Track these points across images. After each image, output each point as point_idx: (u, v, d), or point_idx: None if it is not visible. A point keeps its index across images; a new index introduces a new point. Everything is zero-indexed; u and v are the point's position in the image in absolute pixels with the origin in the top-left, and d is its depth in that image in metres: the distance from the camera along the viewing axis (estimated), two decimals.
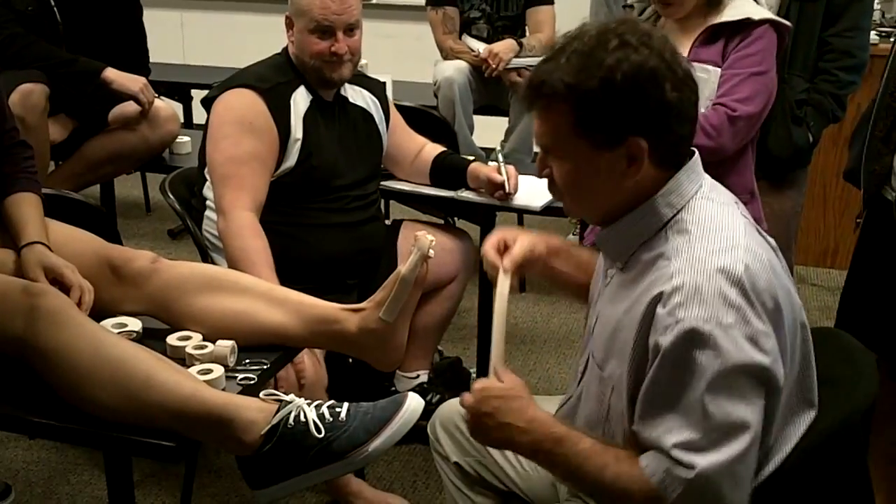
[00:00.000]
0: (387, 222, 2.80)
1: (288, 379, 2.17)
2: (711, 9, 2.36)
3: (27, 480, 2.64)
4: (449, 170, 2.71)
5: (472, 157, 2.79)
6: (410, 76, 4.10)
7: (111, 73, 3.20)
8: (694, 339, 1.30)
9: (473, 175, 2.65)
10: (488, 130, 4.15)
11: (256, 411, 1.57)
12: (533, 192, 2.61)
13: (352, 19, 2.40)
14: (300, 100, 2.44)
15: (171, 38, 5.78)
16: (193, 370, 1.65)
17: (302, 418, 1.56)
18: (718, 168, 2.11)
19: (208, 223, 2.48)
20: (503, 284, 1.68)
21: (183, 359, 1.70)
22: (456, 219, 3.24)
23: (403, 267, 1.77)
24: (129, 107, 3.26)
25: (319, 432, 1.55)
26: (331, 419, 1.57)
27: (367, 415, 1.58)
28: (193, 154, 3.04)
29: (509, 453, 1.76)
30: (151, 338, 1.75)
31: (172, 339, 1.75)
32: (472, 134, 3.96)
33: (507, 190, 2.59)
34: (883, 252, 2.12)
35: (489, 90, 3.98)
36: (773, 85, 2.40)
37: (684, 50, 2.36)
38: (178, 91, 4.41)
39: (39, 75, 3.05)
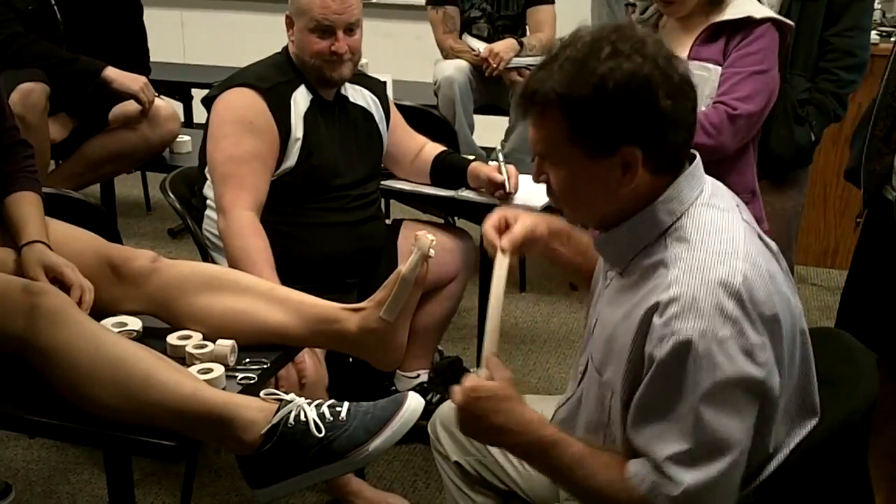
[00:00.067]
0: (387, 222, 2.80)
1: (289, 378, 2.17)
2: (713, 7, 2.36)
3: (27, 479, 2.64)
4: (449, 169, 2.71)
5: (472, 157, 2.79)
6: (411, 75, 4.10)
7: (111, 73, 3.20)
8: (688, 352, 1.30)
9: (474, 174, 2.65)
10: (488, 130, 4.15)
11: (256, 411, 1.57)
12: (533, 191, 2.59)
13: (352, 18, 2.40)
14: (300, 99, 2.44)
15: (171, 38, 5.77)
16: (193, 369, 1.65)
17: (302, 418, 1.56)
18: (719, 167, 2.11)
19: (209, 222, 2.48)
20: (501, 265, 1.66)
21: (183, 358, 1.70)
22: (456, 218, 3.24)
23: (404, 266, 1.77)
24: (130, 106, 3.26)
25: (320, 432, 1.55)
26: (331, 419, 1.57)
27: (367, 414, 1.58)
28: (194, 153, 3.04)
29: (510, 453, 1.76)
30: (151, 337, 1.75)
31: (172, 339, 1.75)
32: (472, 133, 3.95)
33: (507, 189, 2.59)
34: (883, 252, 2.12)
35: (489, 90, 3.98)
36: (774, 84, 2.40)
37: (685, 48, 2.37)
38: (179, 90, 4.41)
39: (40, 74, 3.05)
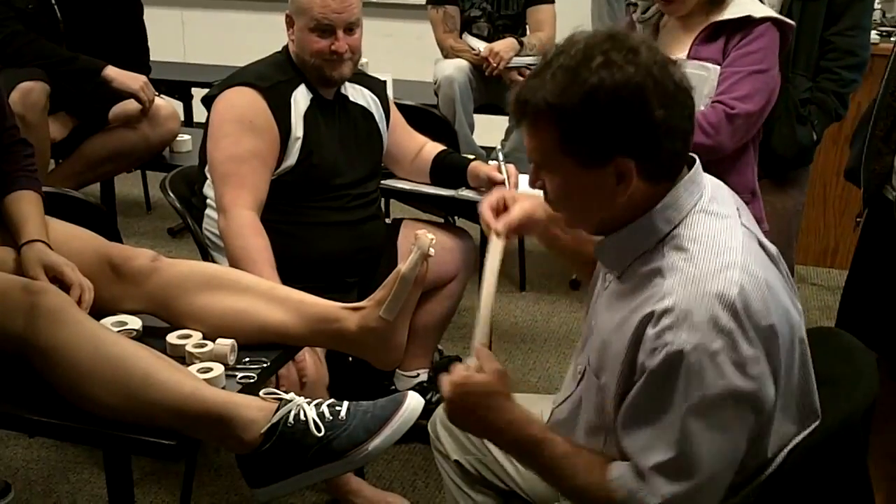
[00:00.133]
0: (387, 221, 2.80)
1: (289, 377, 2.17)
2: (714, 6, 2.35)
3: (27, 479, 2.64)
4: (449, 169, 2.71)
5: (472, 156, 2.79)
6: (411, 75, 4.09)
7: (111, 72, 3.21)
8: (680, 364, 1.30)
9: (473, 174, 2.65)
10: (489, 129, 4.15)
11: (256, 410, 1.57)
12: (533, 190, 2.60)
13: (352, 18, 2.40)
14: (300, 98, 2.44)
15: (171, 37, 5.77)
16: (193, 369, 1.65)
17: (302, 417, 1.56)
18: (719, 167, 2.10)
19: (209, 221, 2.48)
20: (494, 250, 1.65)
21: (183, 357, 1.70)
22: (456, 218, 3.24)
23: (403, 266, 1.77)
24: (130, 105, 3.26)
25: (319, 431, 1.55)
26: (330, 418, 1.57)
27: (366, 414, 1.58)
28: (194, 152, 3.04)
29: None
30: (151, 336, 1.75)
31: (172, 338, 1.74)
32: (472, 133, 3.95)
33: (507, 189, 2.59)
34: (883, 251, 2.12)
35: (490, 89, 3.97)
36: (773, 83, 2.40)
37: (685, 47, 2.36)
38: (179, 89, 4.41)
39: (40, 73, 3.05)
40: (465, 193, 2.69)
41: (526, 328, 3.62)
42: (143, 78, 3.27)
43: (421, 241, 1.75)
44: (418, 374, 2.79)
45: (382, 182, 2.70)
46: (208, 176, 2.45)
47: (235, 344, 1.73)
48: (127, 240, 3.40)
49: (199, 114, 2.96)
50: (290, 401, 1.58)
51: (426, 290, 2.40)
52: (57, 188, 2.41)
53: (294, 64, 2.46)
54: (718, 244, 1.36)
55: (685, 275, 1.33)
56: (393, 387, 2.77)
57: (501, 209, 1.71)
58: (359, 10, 2.43)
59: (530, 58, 3.81)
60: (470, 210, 2.85)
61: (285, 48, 2.51)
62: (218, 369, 1.65)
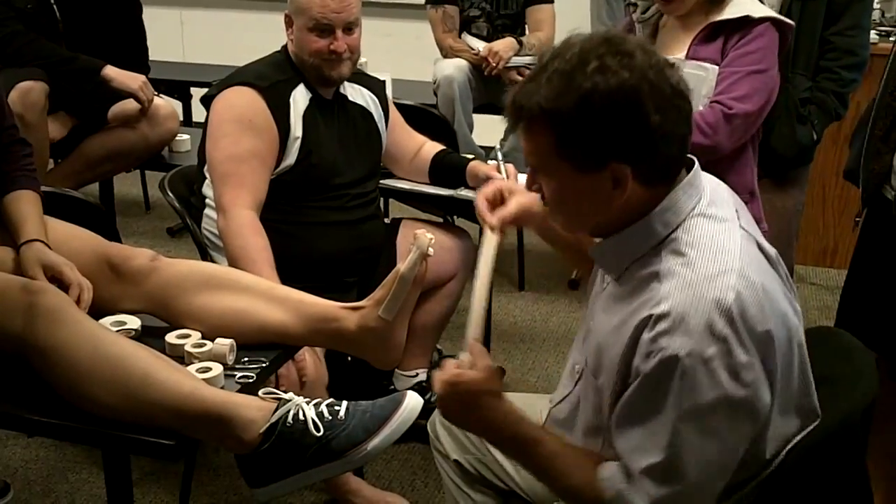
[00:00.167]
0: (386, 221, 2.80)
1: (289, 377, 2.17)
2: (713, 6, 2.35)
3: (26, 479, 2.64)
4: (448, 168, 2.71)
5: (471, 156, 2.79)
6: (410, 74, 4.09)
7: (111, 71, 3.20)
8: (674, 369, 1.30)
9: (473, 173, 2.65)
10: (488, 129, 4.12)
11: (255, 410, 1.57)
12: None
13: (351, 17, 2.40)
14: (300, 98, 2.43)
15: (170, 36, 5.77)
16: (192, 368, 1.65)
17: (301, 417, 1.56)
18: (717, 167, 2.10)
19: (208, 221, 2.48)
20: (488, 245, 1.65)
21: (182, 357, 1.70)
22: (455, 217, 3.24)
23: (403, 265, 1.77)
24: (129, 105, 3.26)
25: (318, 431, 1.55)
26: (329, 417, 1.57)
27: (365, 413, 1.58)
28: (193, 152, 3.04)
29: None
30: (150, 336, 1.75)
31: (171, 338, 1.74)
32: (471, 132, 3.95)
33: None
34: (882, 251, 2.12)
35: (489, 89, 3.97)
36: (772, 83, 2.39)
37: (684, 47, 2.36)
38: (178, 89, 4.41)
39: (39, 73, 3.05)
40: (464, 193, 2.69)
41: (525, 328, 3.62)
42: (143, 77, 3.27)
43: (420, 241, 1.75)
44: (417, 374, 2.79)
45: (381, 182, 2.70)
46: (207, 175, 2.45)
47: (234, 344, 1.72)
48: (126, 239, 3.40)
49: (199, 113, 2.96)
50: (289, 400, 1.58)
51: (425, 290, 2.40)
52: (56, 188, 2.40)
53: (293, 64, 2.46)
54: (716, 249, 1.36)
55: (682, 279, 1.33)
56: (392, 386, 2.77)
57: (498, 201, 1.71)
58: (358, 9, 2.43)
59: (529, 57, 3.81)
60: (469, 210, 2.84)
61: (284, 48, 2.51)
62: (217, 369, 1.65)
